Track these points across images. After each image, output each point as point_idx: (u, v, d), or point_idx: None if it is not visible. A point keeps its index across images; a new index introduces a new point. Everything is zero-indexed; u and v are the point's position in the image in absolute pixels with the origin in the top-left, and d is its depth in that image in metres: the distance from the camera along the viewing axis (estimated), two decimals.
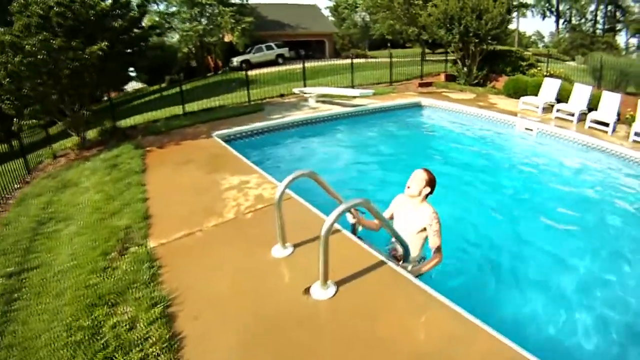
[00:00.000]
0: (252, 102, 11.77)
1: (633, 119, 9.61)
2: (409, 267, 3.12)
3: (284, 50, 28.74)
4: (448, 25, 14.09)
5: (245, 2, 28.51)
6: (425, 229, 3.19)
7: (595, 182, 6.57)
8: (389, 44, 42.57)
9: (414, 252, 3.27)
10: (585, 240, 4.58)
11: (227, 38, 28.15)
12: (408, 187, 3.20)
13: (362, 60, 17.05)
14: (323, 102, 10.84)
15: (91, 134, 8.80)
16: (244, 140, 8.08)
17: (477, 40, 13.37)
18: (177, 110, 10.87)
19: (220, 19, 26.38)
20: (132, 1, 8.36)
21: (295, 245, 3.38)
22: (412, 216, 3.24)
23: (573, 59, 26.63)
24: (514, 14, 35.75)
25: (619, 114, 9.38)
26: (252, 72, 15.73)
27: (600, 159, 7.59)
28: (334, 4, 51.81)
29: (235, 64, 26.30)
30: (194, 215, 4.17)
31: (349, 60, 15.22)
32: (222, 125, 8.48)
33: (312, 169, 3.16)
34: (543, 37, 63.17)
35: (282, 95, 12.75)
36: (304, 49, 32.83)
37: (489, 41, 13.67)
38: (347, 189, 5.70)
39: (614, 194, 6.07)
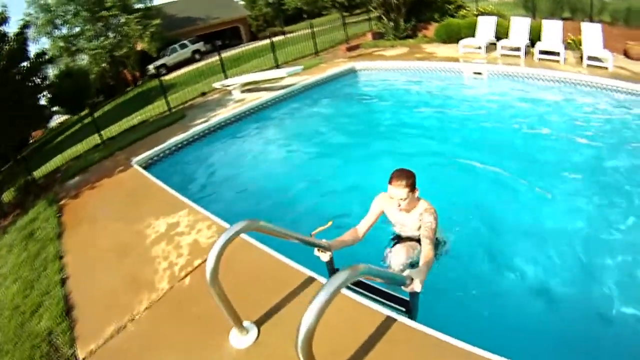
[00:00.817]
0: (173, 110, 10.51)
1: (576, 44, 9.38)
2: (419, 279, 2.22)
3: (199, 45, 27.16)
4: None
5: (149, 4, 26.41)
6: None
7: (567, 115, 6.07)
8: (305, 16, 41.45)
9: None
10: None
11: (139, 46, 26.19)
12: (399, 206, 2.80)
13: (281, 38, 16.16)
14: (249, 91, 9.75)
15: (8, 195, 7.50)
16: (167, 160, 6.87)
17: None
18: (97, 139, 9.52)
19: (126, 28, 24.31)
20: (7, 32, 7.03)
21: (260, 322, 2.56)
22: (409, 219, 2.99)
23: None
24: None
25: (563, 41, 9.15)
26: (169, 76, 14.54)
27: (563, 90, 7.16)
28: None
29: (152, 71, 24.47)
30: (120, 293, 3.32)
31: (267, 41, 14.20)
32: (142, 147, 7.21)
33: (256, 218, 2.23)
34: None
35: (203, 94, 11.51)
36: (219, 39, 31.24)
37: None
38: (299, 187, 4.94)
39: (594, 124, 5.60)
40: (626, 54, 10.06)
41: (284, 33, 29.58)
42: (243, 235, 3.44)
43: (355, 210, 3.51)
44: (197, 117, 8.37)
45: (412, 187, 2.76)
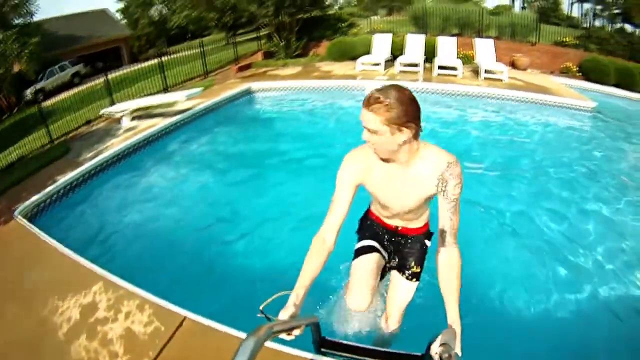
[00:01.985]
0: (56, 142, 9.57)
1: (468, 58, 10.57)
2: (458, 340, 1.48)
3: (79, 68, 25.22)
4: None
5: (28, 20, 23.12)
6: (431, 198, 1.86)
7: (469, 125, 6.79)
8: (188, 36, 40.67)
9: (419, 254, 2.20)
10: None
11: (17, 68, 23.40)
12: (373, 144, 1.69)
13: (164, 58, 15.65)
14: (139, 117, 9.16)
15: None
16: (55, 208, 5.76)
17: (294, 10, 12.94)
18: None
19: (3, 46, 21.31)
20: None
21: None
22: (413, 187, 1.82)
23: (376, 14, 28.02)
24: None
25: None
26: (48, 102, 13.25)
27: (463, 102, 7.97)
28: (125, 4, 47.67)
29: (29, 96, 22.27)
30: None
31: (151, 62, 13.62)
32: (25, 191, 6.07)
33: None
34: None
35: (88, 122, 10.61)
36: (100, 60, 29.38)
37: (307, 7, 13.42)
38: (218, 227, 4.59)
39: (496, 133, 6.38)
40: (513, 65, 11.77)
41: (167, 54, 28.61)
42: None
43: (286, 241, 3.41)
44: (85, 151, 7.62)
45: (400, 119, 1.59)
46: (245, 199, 5.19)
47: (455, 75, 9.60)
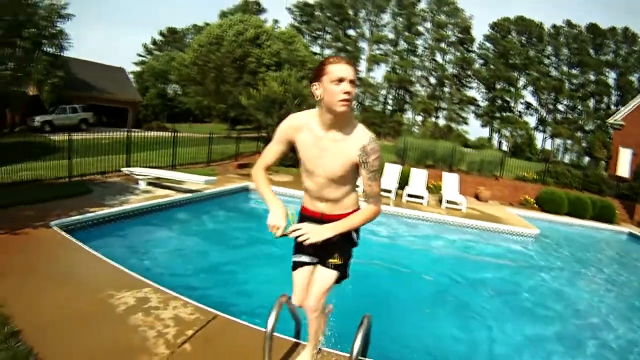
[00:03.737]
0: (73, 179, 10.90)
1: (437, 188, 12.63)
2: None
3: (89, 115, 26.70)
4: (268, 109, 15.67)
5: (59, 53, 24.52)
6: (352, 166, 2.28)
7: (429, 246, 8.82)
8: (191, 118, 43.28)
9: (344, 207, 2.49)
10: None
11: (32, 91, 24.55)
12: (346, 99, 2.08)
13: (166, 134, 16.91)
14: (154, 184, 10.69)
15: None
16: (87, 228, 7.10)
17: None
18: None
19: (32, 67, 21.86)
20: None
21: None
22: (340, 156, 2.25)
23: None
24: None
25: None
26: (57, 137, 14.22)
27: (428, 227, 10.15)
28: (142, 69, 50.91)
29: (37, 123, 23.30)
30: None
31: (158, 133, 15.63)
32: (56, 210, 7.35)
33: None
34: None
35: (103, 173, 11.97)
36: (106, 115, 31.03)
37: None
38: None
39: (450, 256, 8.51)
40: (477, 197, 14.08)
41: (165, 129, 30.33)
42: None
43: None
44: (108, 197, 9.02)
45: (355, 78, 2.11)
46: (235, 267, 6.73)
47: (421, 203, 11.55)
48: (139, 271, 4.98)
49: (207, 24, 50.28)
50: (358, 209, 2.50)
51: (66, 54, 26.74)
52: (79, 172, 11.47)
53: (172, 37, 69.53)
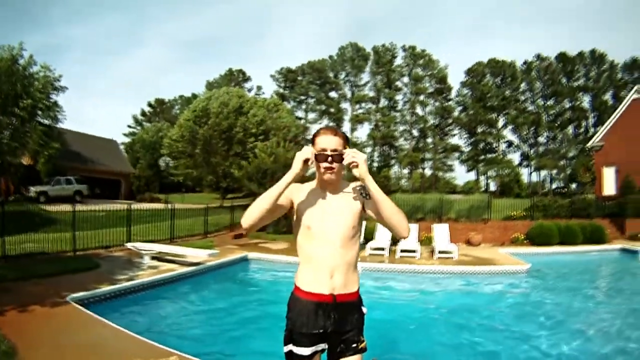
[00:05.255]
0: (77, 253, 11.19)
1: (429, 240, 13.12)
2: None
3: (83, 188, 27.20)
4: (260, 180, 16.35)
5: (54, 124, 24.36)
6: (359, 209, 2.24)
7: (427, 298, 9.22)
8: (183, 190, 43.95)
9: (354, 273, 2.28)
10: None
11: (26, 161, 24.99)
12: (330, 167, 2.15)
13: (161, 206, 17.15)
14: (157, 258, 10.98)
15: None
16: (100, 302, 7.37)
17: None
18: None
19: (28, 137, 21.76)
20: None
21: None
22: (337, 203, 2.24)
23: None
24: None
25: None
26: (52, 208, 14.50)
27: (423, 279, 10.52)
28: (133, 140, 52.12)
29: (32, 194, 23.76)
30: None
31: (153, 205, 15.50)
32: (67, 284, 7.70)
33: None
34: None
35: (107, 247, 12.29)
36: (99, 186, 31.46)
37: None
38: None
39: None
40: (469, 242, 14.57)
41: (158, 200, 30.78)
42: None
43: None
44: (117, 271, 9.34)
45: (345, 143, 2.18)
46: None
47: (414, 257, 11.95)
48: (162, 341, 5.10)
49: (195, 95, 52.40)
50: (359, 289, 2.31)
51: (59, 125, 27.45)
52: (82, 245, 11.77)
53: (160, 108, 71.93)
